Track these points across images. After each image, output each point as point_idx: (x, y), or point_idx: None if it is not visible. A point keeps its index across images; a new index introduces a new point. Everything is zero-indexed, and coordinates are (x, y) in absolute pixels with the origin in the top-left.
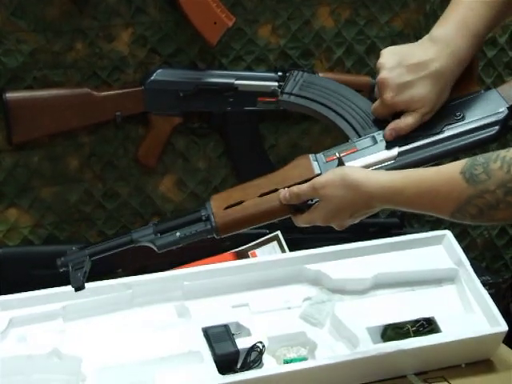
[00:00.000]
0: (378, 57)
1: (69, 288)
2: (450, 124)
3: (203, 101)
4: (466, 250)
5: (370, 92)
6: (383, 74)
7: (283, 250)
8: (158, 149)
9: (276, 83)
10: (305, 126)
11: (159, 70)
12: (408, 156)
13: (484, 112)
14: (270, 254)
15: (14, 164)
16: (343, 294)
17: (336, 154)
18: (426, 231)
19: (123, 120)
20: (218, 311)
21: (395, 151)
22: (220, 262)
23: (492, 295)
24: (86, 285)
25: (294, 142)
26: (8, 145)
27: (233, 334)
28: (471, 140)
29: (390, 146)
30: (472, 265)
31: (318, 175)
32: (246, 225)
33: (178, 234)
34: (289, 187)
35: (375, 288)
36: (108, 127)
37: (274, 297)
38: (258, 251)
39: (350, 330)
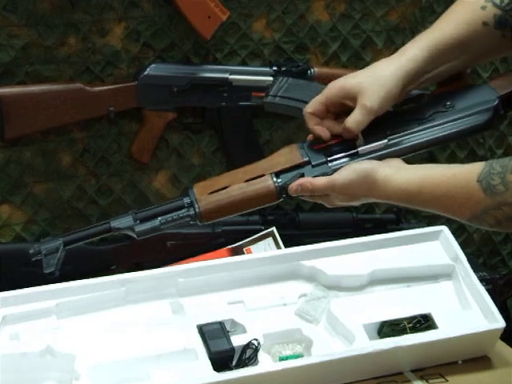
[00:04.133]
0: (374, 51)
1: (62, 285)
2: (440, 112)
3: (197, 96)
4: (462, 246)
5: None
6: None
7: (278, 247)
8: (151, 144)
9: (271, 78)
10: (299, 122)
11: (153, 65)
12: (398, 144)
13: (474, 101)
14: (265, 251)
15: (6, 160)
16: (339, 291)
17: (325, 141)
18: (423, 227)
19: (116, 115)
20: (212, 308)
21: (385, 140)
22: (215, 258)
23: (489, 291)
24: (80, 282)
25: (288, 138)
26: (0, 141)
27: (228, 332)
28: (462, 127)
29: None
30: (469, 261)
31: (306, 162)
32: (230, 210)
33: (158, 219)
34: (276, 173)
35: (371, 284)
36: (101, 123)
37: (269, 294)
38: (253, 247)
39: (346, 326)
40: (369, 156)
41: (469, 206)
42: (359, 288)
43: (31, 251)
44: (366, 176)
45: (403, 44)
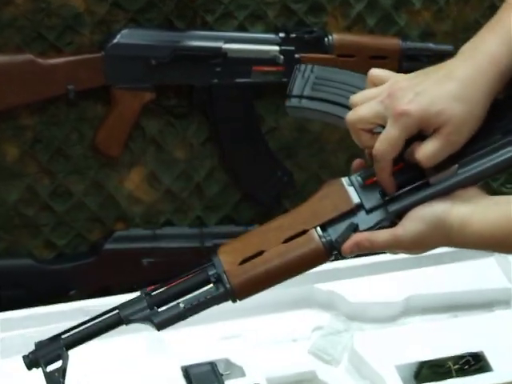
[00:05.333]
0: (409, 12)
1: (7, 315)
2: None
3: (182, 71)
4: None
5: (399, 60)
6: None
7: None
8: (122, 133)
9: (277, 47)
10: None
11: (124, 31)
12: (473, 166)
13: None
14: None
15: None
16: (364, 323)
17: None
18: None
19: (77, 96)
20: (201, 344)
21: (455, 165)
22: None
23: None
24: (30, 310)
25: (299, 125)
26: None
27: (221, 375)
28: None
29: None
30: None
31: (359, 206)
32: (270, 282)
33: (181, 305)
34: (322, 225)
35: (406, 314)
36: (57, 105)
37: (274, 326)
38: None
39: (374, 368)
40: (439, 187)
41: None
42: (391, 319)
43: (26, 361)
44: (439, 223)
45: (448, 3)
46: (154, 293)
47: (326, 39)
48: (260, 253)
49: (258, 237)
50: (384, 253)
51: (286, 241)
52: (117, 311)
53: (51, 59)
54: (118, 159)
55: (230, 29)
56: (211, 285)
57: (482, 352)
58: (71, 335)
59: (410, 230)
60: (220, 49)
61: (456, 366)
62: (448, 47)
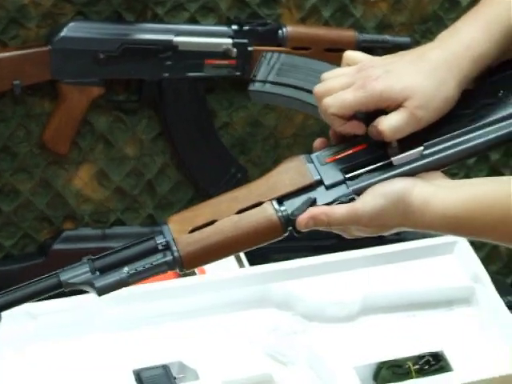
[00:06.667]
0: (366, 4)
1: None
2: (491, 105)
3: (131, 65)
4: (485, 262)
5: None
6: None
7: (241, 265)
8: (70, 130)
9: (230, 40)
10: None
11: (71, 24)
12: (438, 150)
13: None
14: (223, 270)
15: None
16: (322, 322)
17: (341, 150)
18: (432, 236)
19: (23, 91)
20: (154, 347)
21: (420, 147)
22: (157, 281)
23: None
24: None
25: (254, 120)
26: None
27: (174, 378)
28: None
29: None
30: (493, 281)
31: (318, 182)
32: (221, 253)
33: (125, 269)
34: (278, 199)
35: (365, 313)
36: (3, 101)
37: (229, 327)
38: (207, 266)
39: (332, 370)
40: (403, 169)
41: None
42: (349, 319)
43: None
44: (399, 201)
45: None
46: (98, 257)
47: (280, 32)
48: (211, 222)
49: (210, 207)
50: (344, 239)
51: (240, 212)
52: (56, 275)
53: None
54: (66, 156)
55: (181, 21)
56: (159, 253)
57: (441, 351)
58: (5, 296)
59: (369, 204)
60: (171, 42)
61: (416, 367)
62: (405, 39)
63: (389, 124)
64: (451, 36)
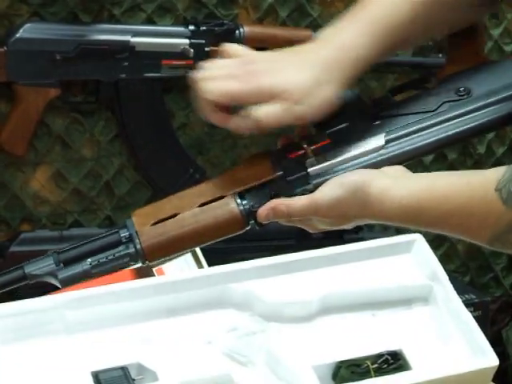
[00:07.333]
0: (323, 4)
1: None
2: (451, 101)
3: (88, 66)
4: (443, 260)
5: None
6: None
7: (200, 265)
8: (27, 131)
9: (187, 40)
10: None
11: (27, 25)
12: (400, 144)
13: (496, 84)
14: (182, 271)
15: None
16: (281, 322)
17: (304, 146)
18: (390, 235)
19: None
20: (112, 349)
21: (381, 139)
22: (114, 282)
23: (478, 319)
24: None
25: None
26: None
27: (133, 380)
28: (481, 121)
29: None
30: (451, 279)
31: (280, 177)
32: (182, 245)
33: (88, 260)
34: (240, 193)
35: (323, 313)
36: None
37: (187, 328)
38: (165, 267)
39: (291, 369)
40: (362, 164)
41: (488, 224)
42: (307, 318)
43: None
44: (356, 191)
45: None
46: (63, 250)
47: (237, 32)
48: (174, 215)
49: (173, 201)
50: (306, 232)
51: (202, 206)
52: (21, 267)
53: None
54: (23, 158)
55: (138, 22)
56: (122, 245)
57: (400, 350)
58: None
59: (328, 194)
60: (127, 42)
61: (374, 366)
62: None
63: (266, 111)
64: (334, 36)
